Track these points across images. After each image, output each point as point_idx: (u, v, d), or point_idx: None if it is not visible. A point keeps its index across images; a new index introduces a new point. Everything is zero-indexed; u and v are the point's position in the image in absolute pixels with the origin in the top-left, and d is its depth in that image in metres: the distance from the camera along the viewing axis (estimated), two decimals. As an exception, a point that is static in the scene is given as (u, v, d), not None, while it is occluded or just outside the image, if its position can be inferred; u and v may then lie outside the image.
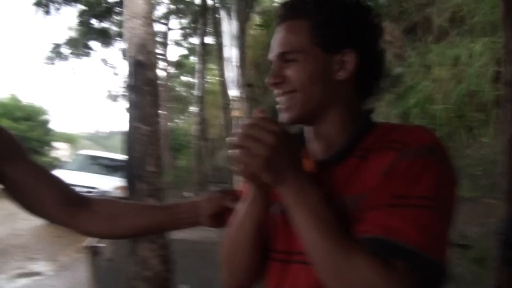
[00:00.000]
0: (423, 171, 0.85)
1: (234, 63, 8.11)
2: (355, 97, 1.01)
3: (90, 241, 4.30)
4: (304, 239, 0.87)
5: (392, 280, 0.79)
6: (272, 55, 1.02)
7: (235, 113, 8.12)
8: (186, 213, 1.14)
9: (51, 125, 21.53)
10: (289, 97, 0.98)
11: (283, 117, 1.00)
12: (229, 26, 8.70)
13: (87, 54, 14.68)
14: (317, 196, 0.87)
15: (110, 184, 10.46)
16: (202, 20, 14.58)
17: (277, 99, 1.01)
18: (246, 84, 7.62)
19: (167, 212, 1.15)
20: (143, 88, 4.15)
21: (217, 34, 13.82)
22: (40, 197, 1.11)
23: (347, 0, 0.99)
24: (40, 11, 11.70)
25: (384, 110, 7.05)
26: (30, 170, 1.12)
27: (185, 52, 23.48)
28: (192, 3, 17.57)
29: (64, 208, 1.12)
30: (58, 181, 1.16)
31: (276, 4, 14.33)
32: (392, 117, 6.70)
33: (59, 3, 11.75)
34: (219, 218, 1.12)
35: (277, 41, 1.01)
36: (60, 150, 25.80)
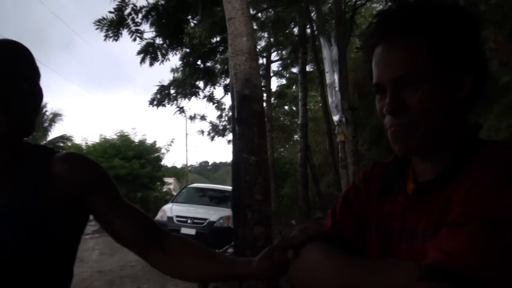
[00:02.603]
0: (506, 188, 0.75)
1: (336, 88, 8.05)
2: (465, 114, 0.92)
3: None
4: None
5: None
6: (384, 78, 0.90)
7: (339, 138, 8.01)
8: (242, 269, 1.17)
9: (162, 162, 22.64)
10: (408, 126, 0.88)
11: (397, 148, 0.91)
12: (329, 52, 8.68)
13: (194, 94, 15.27)
14: None
15: (217, 215, 10.79)
16: (302, 49, 14.75)
17: (391, 127, 0.91)
18: (349, 107, 7.50)
19: (227, 264, 1.21)
20: (250, 120, 4.28)
21: (317, 61, 13.88)
22: (118, 232, 1.22)
23: (455, 9, 0.89)
24: (147, 59, 12.07)
25: (494, 123, 6.54)
26: (112, 206, 1.22)
27: (286, 82, 23.91)
28: (292, 34, 17.88)
29: (140, 246, 1.23)
30: (139, 219, 1.24)
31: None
32: (503, 130, 6.18)
33: (165, 49, 12.21)
34: (275, 272, 1.10)
35: (391, 62, 0.89)
36: (169, 185, 27.09)
